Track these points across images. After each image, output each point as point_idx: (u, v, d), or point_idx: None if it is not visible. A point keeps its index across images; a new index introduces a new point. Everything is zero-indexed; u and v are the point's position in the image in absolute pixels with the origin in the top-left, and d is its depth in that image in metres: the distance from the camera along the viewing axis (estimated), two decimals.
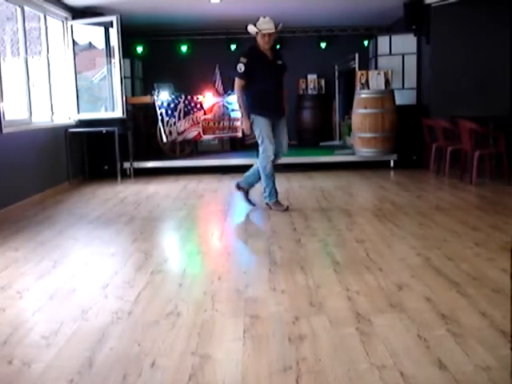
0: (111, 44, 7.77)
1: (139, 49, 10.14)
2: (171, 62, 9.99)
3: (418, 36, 8.20)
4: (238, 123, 8.81)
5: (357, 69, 8.41)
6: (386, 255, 3.65)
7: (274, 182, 5.28)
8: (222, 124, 8.65)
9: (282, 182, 6.97)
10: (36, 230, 4.74)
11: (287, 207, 5.27)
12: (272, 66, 5.10)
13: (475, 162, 6.18)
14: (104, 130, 7.55)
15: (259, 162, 5.24)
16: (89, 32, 7.96)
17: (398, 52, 8.64)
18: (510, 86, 7.40)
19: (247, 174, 5.43)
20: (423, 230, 4.34)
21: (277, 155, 5.19)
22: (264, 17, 5.11)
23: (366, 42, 9.95)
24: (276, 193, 5.32)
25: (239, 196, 5.52)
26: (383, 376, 2.04)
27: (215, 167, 8.16)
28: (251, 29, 5.09)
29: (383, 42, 8.75)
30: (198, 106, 8.37)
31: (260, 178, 5.29)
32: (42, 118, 6.81)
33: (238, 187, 5.48)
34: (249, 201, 5.44)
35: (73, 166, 7.45)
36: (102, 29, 7.84)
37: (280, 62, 5.18)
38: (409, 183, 6.76)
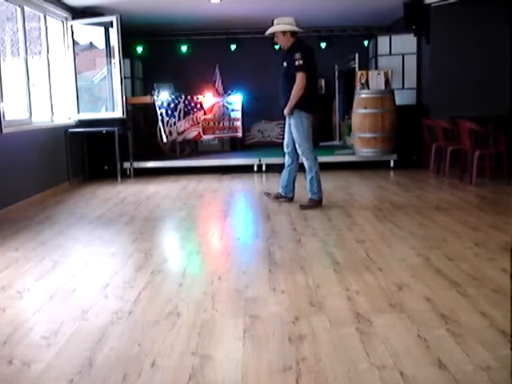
0: (111, 44, 7.77)
1: (139, 49, 10.13)
2: (171, 62, 9.99)
3: (417, 36, 8.19)
4: (238, 123, 8.83)
5: (357, 69, 8.41)
6: (386, 255, 3.65)
7: (283, 174, 5.57)
8: (222, 124, 8.66)
9: None
10: (36, 229, 4.74)
11: (269, 194, 5.73)
12: (281, 66, 5.29)
13: (475, 162, 6.18)
14: (104, 130, 7.55)
15: None
16: (89, 32, 7.95)
17: (398, 52, 8.64)
18: (510, 86, 7.40)
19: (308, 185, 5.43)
20: (423, 230, 4.34)
21: (289, 153, 5.49)
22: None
23: (365, 42, 9.94)
24: (284, 187, 5.60)
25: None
26: (383, 376, 2.04)
27: (215, 167, 8.16)
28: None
29: (383, 42, 8.75)
30: (198, 106, 8.38)
31: (309, 178, 5.37)
32: (42, 118, 6.81)
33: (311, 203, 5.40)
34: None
35: (73, 166, 7.45)
36: (102, 29, 7.84)
37: (284, 63, 5.23)
38: (409, 183, 6.76)
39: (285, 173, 5.55)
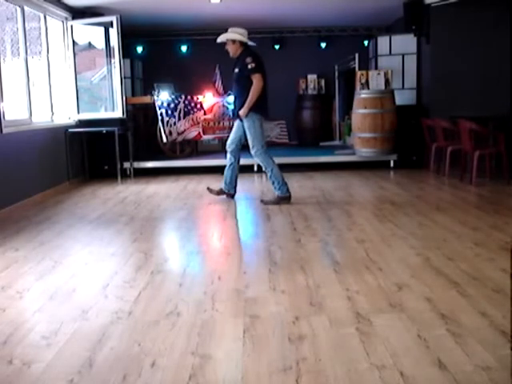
0: (111, 44, 7.76)
1: (139, 49, 10.14)
2: (171, 62, 9.99)
3: (417, 36, 8.19)
4: None
5: (357, 69, 8.41)
6: (386, 255, 3.65)
7: (226, 172, 5.87)
8: (221, 124, 8.65)
9: None
10: (36, 230, 4.74)
11: (211, 190, 5.97)
12: (232, 73, 5.62)
13: (475, 162, 6.18)
14: (104, 130, 7.55)
15: None
16: (89, 32, 7.95)
17: (398, 52, 8.63)
18: (509, 86, 7.40)
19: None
20: (423, 230, 4.34)
21: (232, 152, 5.76)
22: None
23: (365, 42, 9.94)
24: (227, 184, 5.88)
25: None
26: (383, 376, 2.04)
27: (215, 167, 8.15)
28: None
29: (383, 42, 8.74)
30: (198, 106, 8.37)
31: (269, 176, 5.69)
32: (42, 118, 6.81)
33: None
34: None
35: (73, 166, 7.45)
36: (102, 29, 7.84)
37: (235, 70, 5.53)
38: (409, 183, 6.76)
39: (227, 171, 5.85)
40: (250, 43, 5.59)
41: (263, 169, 5.71)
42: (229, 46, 5.54)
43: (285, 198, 5.57)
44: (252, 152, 5.59)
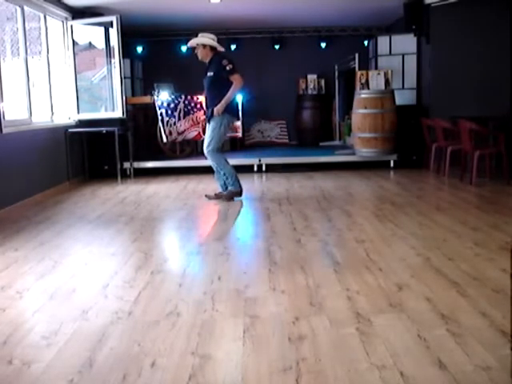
0: (111, 44, 7.76)
1: (139, 49, 10.13)
2: (171, 62, 9.98)
3: (417, 36, 8.19)
4: (238, 123, 8.82)
5: (357, 69, 8.41)
6: (386, 255, 3.65)
7: (216, 175, 5.88)
8: None
9: (282, 182, 6.99)
10: (36, 229, 4.74)
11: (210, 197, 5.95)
12: (204, 76, 5.71)
13: (475, 162, 6.18)
14: (104, 130, 7.55)
15: None
16: (89, 32, 7.95)
17: (398, 52, 8.63)
18: (510, 86, 7.40)
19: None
20: (423, 230, 4.34)
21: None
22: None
23: (365, 42, 9.95)
24: (222, 185, 5.87)
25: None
26: (383, 376, 2.04)
27: None
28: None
29: (383, 42, 8.74)
30: (198, 105, 8.37)
31: (222, 174, 5.79)
32: (42, 118, 6.81)
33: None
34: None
35: (73, 166, 7.45)
36: (102, 29, 7.84)
37: (209, 73, 5.61)
38: (409, 183, 6.76)
39: (217, 173, 5.83)
40: (220, 48, 5.68)
41: (215, 169, 5.77)
42: (199, 50, 5.63)
43: (237, 193, 5.77)
44: (205, 150, 5.67)
